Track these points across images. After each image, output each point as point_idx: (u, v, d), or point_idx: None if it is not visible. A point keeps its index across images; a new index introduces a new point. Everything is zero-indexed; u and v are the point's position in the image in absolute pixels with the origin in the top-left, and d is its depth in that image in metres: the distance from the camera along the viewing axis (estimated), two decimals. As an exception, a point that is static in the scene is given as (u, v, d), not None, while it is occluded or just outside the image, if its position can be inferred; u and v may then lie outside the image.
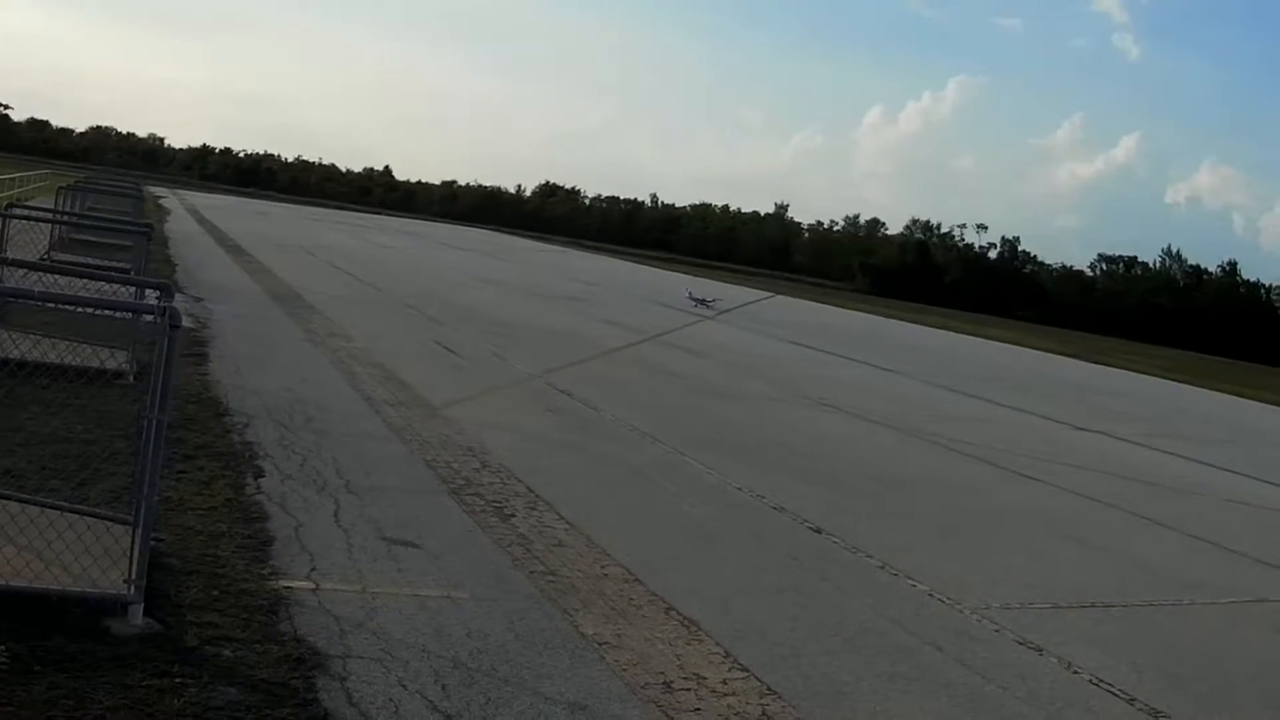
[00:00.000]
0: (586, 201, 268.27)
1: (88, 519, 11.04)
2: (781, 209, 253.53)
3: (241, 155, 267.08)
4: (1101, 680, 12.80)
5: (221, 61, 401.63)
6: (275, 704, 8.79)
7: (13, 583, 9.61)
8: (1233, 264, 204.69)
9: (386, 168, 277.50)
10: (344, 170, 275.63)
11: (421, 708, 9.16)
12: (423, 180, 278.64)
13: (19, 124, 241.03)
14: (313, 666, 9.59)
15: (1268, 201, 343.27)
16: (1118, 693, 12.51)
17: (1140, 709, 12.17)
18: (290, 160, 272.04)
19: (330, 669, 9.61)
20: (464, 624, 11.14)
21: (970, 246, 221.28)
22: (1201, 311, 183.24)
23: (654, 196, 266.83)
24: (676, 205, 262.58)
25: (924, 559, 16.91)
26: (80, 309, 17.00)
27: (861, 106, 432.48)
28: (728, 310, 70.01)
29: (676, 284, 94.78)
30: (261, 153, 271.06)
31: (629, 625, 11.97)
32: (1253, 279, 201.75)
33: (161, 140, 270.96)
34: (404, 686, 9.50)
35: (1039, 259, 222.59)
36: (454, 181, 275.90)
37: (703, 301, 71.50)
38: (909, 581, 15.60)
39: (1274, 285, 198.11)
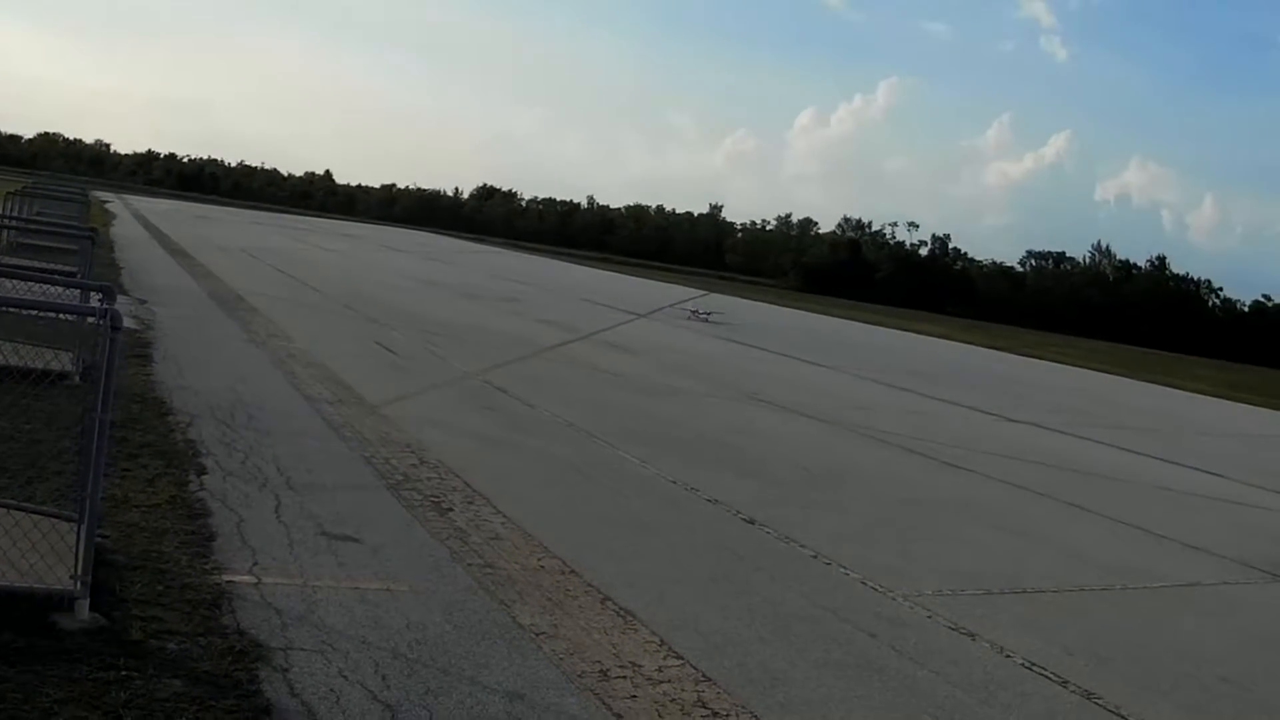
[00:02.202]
0: (523, 204, 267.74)
1: (34, 516, 11.02)
2: (715, 209, 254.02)
3: (186, 160, 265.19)
4: (1034, 664, 12.92)
5: (166, 69, 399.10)
6: (219, 695, 8.80)
7: (-41, 580, 9.60)
8: (1162, 259, 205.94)
9: (327, 172, 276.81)
10: (285, 175, 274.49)
11: (362, 698, 9.18)
12: (362, 184, 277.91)
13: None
14: (255, 659, 9.60)
15: (1196, 198, 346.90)
16: (1050, 676, 12.62)
17: (1073, 691, 12.28)
18: (233, 165, 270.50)
19: (272, 661, 9.62)
20: (403, 616, 11.16)
21: (901, 244, 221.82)
22: (1131, 305, 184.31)
23: (590, 198, 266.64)
24: (612, 206, 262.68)
25: (856, 548, 17.01)
26: (26, 311, 16.91)
27: (793, 109, 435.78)
28: (723, 323, 66.07)
29: (612, 284, 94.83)
30: (205, 158, 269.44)
31: (565, 616, 12.03)
32: (1182, 273, 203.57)
33: (108, 146, 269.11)
34: (345, 677, 9.51)
35: (969, 256, 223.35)
36: (393, 185, 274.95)
37: (698, 315, 69.29)
38: (841, 570, 15.69)
39: (1203, 279, 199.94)
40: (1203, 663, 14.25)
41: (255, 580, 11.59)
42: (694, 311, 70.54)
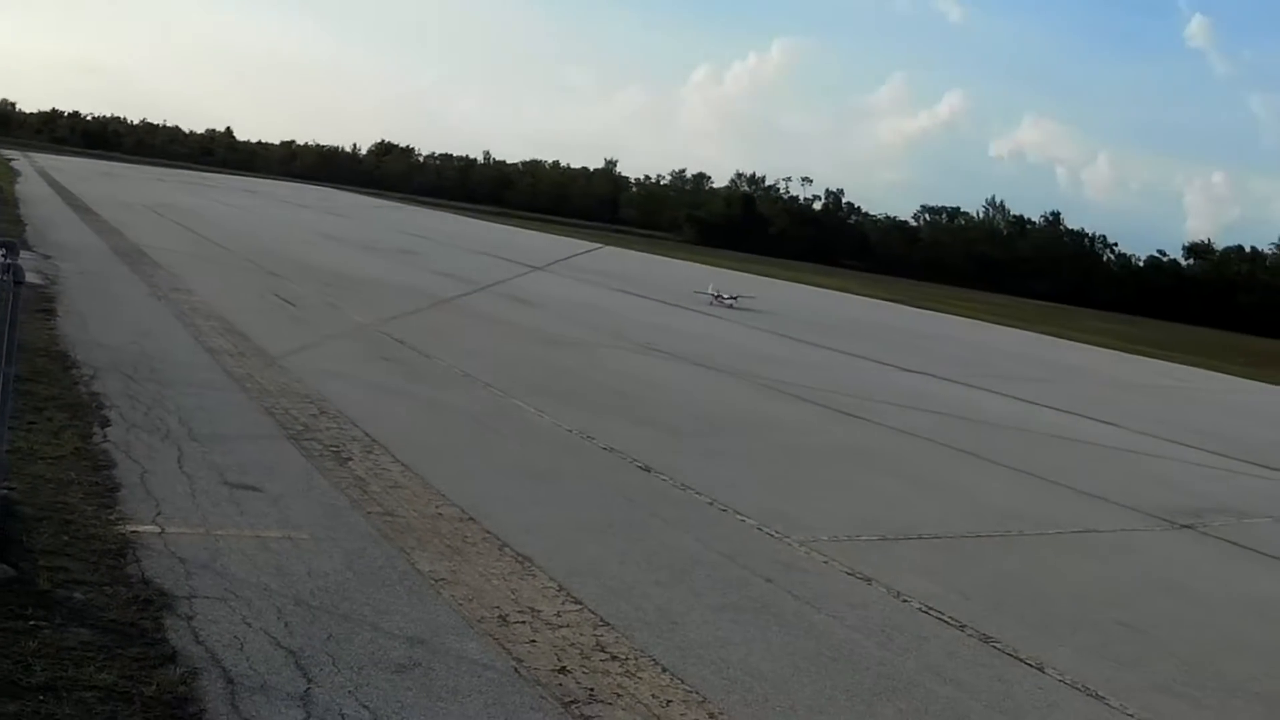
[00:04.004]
0: (421, 159, 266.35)
1: (-63, 470, 10.87)
2: (610, 164, 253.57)
3: (89, 119, 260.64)
4: (931, 608, 12.98)
5: (69, 27, 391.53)
6: (125, 644, 8.72)
7: None
8: (1056, 214, 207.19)
9: (228, 129, 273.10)
10: (188, 132, 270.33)
11: (265, 645, 9.12)
12: (263, 141, 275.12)
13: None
14: (160, 607, 9.51)
15: (1091, 155, 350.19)
16: (947, 620, 12.69)
17: (970, 634, 12.35)
18: (136, 123, 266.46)
19: (177, 609, 9.53)
20: (304, 563, 11.10)
21: (796, 199, 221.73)
22: (1025, 259, 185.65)
23: (487, 154, 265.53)
24: (509, 162, 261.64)
25: (752, 495, 17.08)
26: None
27: (687, 66, 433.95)
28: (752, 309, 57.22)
29: (509, 238, 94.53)
30: (109, 116, 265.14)
31: (464, 562, 12.00)
32: (1077, 228, 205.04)
33: (13, 105, 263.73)
34: (248, 624, 9.45)
35: (864, 211, 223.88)
36: (293, 141, 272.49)
37: (720, 298, 56.81)
38: (737, 516, 15.76)
39: (1098, 234, 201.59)
40: (1101, 607, 14.37)
41: (159, 530, 11.48)
42: (716, 295, 57.61)
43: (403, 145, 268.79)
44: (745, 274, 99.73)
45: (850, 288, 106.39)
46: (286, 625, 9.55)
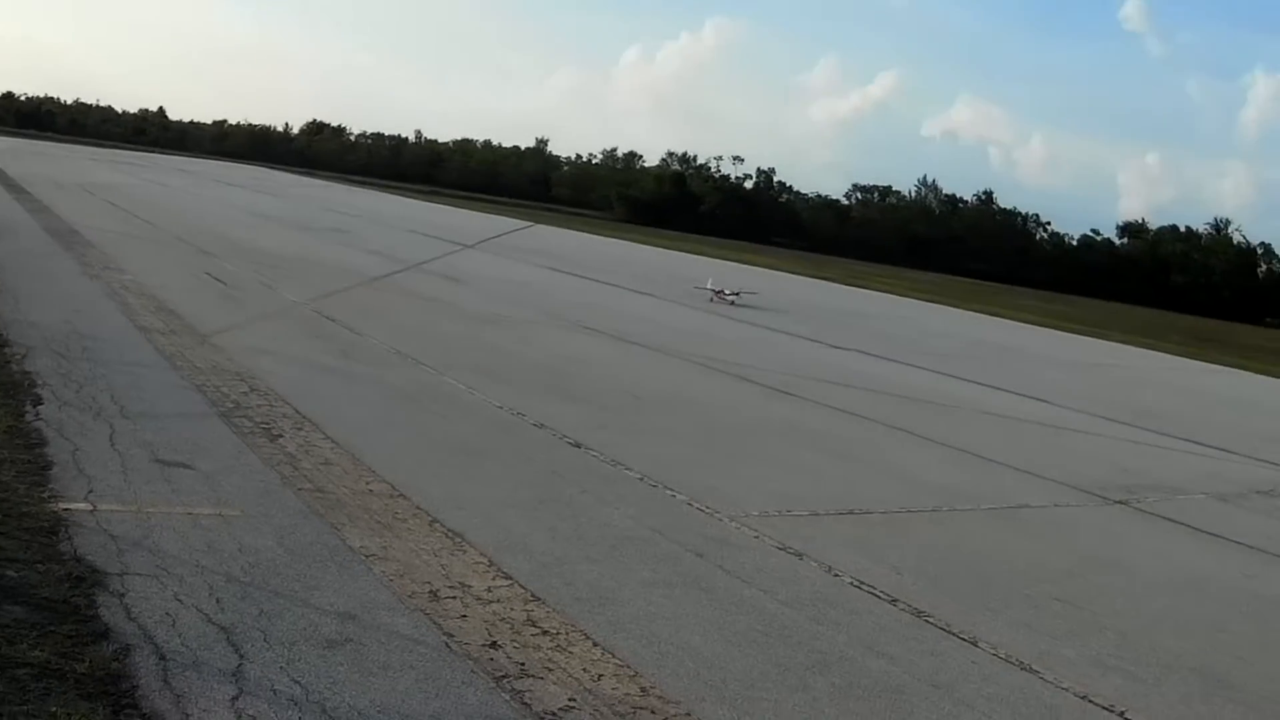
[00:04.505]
0: (353, 139, 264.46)
1: None
2: (542, 143, 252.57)
3: (22, 99, 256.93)
4: (863, 583, 13.00)
5: (2, 8, 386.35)
6: (58, 621, 8.65)
7: None
8: (989, 193, 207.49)
9: (161, 109, 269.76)
10: (120, 112, 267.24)
11: (197, 621, 9.07)
12: (195, 120, 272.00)
13: None
14: (93, 584, 9.44)
15: (1024, 135, 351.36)
16: (880, 594, 12.71)
17: (903, 609, 12.37)
18: (70, 103, 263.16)
19: (109, 586, 9.46)
20: (236, 540, 11.04)
21: (727, 177, 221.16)
22: (957, 238, 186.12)
23: (418, 133, 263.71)
24: (440, 141, 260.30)
25: (683, 471, 17.10)
26: None
27: (619, 47, 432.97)
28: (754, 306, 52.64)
29: (440, 217, 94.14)
30: (42, 96, 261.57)
31: (395, 538, 11.97)
32: (1010, 207, 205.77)
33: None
34: (180, 601, 9.39)
35: (795, 189, 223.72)
36: (225, 121, 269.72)
37: (721, 295, 51.55)
38: (668, 492, 15.77)
39: (1031, 213, 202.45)
40: (1034, 582, 14.39)
41: (91, 507, 11.39)
42: (717, 292, 52.26)
43: (334, 125, 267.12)
44: (675, 251, 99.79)
45: (781, 265, 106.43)
46: (218, 602, 9.50)
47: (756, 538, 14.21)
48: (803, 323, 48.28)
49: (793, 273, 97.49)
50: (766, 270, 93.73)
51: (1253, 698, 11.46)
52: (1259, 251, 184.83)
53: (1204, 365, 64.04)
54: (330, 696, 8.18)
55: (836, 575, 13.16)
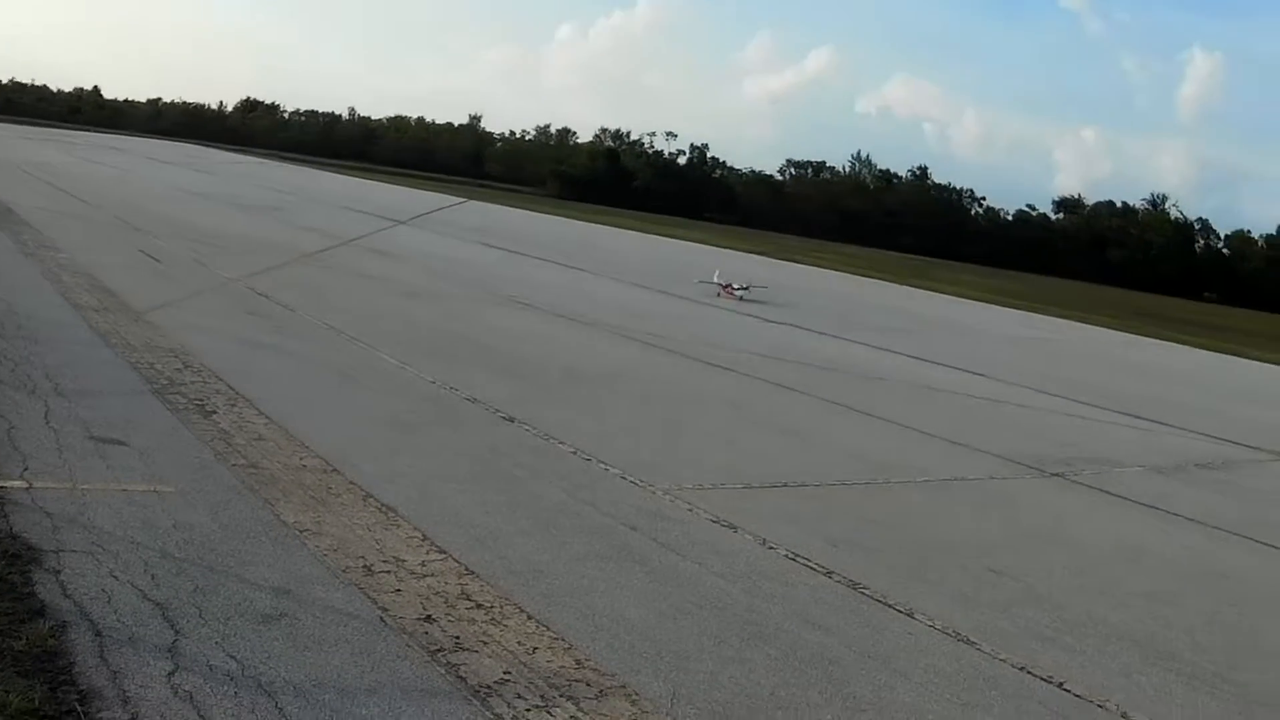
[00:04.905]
0: (286, 116, 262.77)
1: None
2: (475, 120, 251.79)
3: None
4: (798, 555, 12.98)
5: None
6: (-8, 598, 8.58)
7: None
8: (923, 169, 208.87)
9: (95, 88, 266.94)
10: (55, 91, 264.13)
11: (133, 597, 8.97)
12: (130, 99, 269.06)
13: None
14: (28, 561, 9.32)
15: (958, 112, 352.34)
16: (815, 567, 12.70)
17: (839, 581, 12.36)
18: (4, 83, 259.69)
19: (45, 563, 9.34)
20: (170, 516, 10.92)
21: (660, 153, 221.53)
22: (892, 213, 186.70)
23: (352, 110, 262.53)
24: (374, 118, 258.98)
25: (616, 445, 17.08)
26: None
27: (552, 24, 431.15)
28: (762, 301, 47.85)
29: (374, 193, 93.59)
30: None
31: (329, 513, 11.89)
32: (944, 182, 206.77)
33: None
34: (115, 577, 9.29)
35: (729, 165, 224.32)
36: (159, 99, 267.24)
37: (729, 289, 47.26)
38: (601, 466, 15.75)
39: (966, 189, 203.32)
40: (971, 554, 14.41)
41: (26, 485, 11.23)
42: (724, 286, 48.02)
43: (268, 102, 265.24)
44: (609, 227, 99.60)
45: (713, 240, 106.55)
46: (153, 578, 9.40)
47: (690, 511, 14.19)
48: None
49: (726, 248, 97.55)
50: (699, 246, 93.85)
51: (1193, 669, 11.51)
52: (1197, 227, 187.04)
53: (1141, 339, 64.63)
54: (266, 671, 8.12)
55: (771, 548, 13.14)
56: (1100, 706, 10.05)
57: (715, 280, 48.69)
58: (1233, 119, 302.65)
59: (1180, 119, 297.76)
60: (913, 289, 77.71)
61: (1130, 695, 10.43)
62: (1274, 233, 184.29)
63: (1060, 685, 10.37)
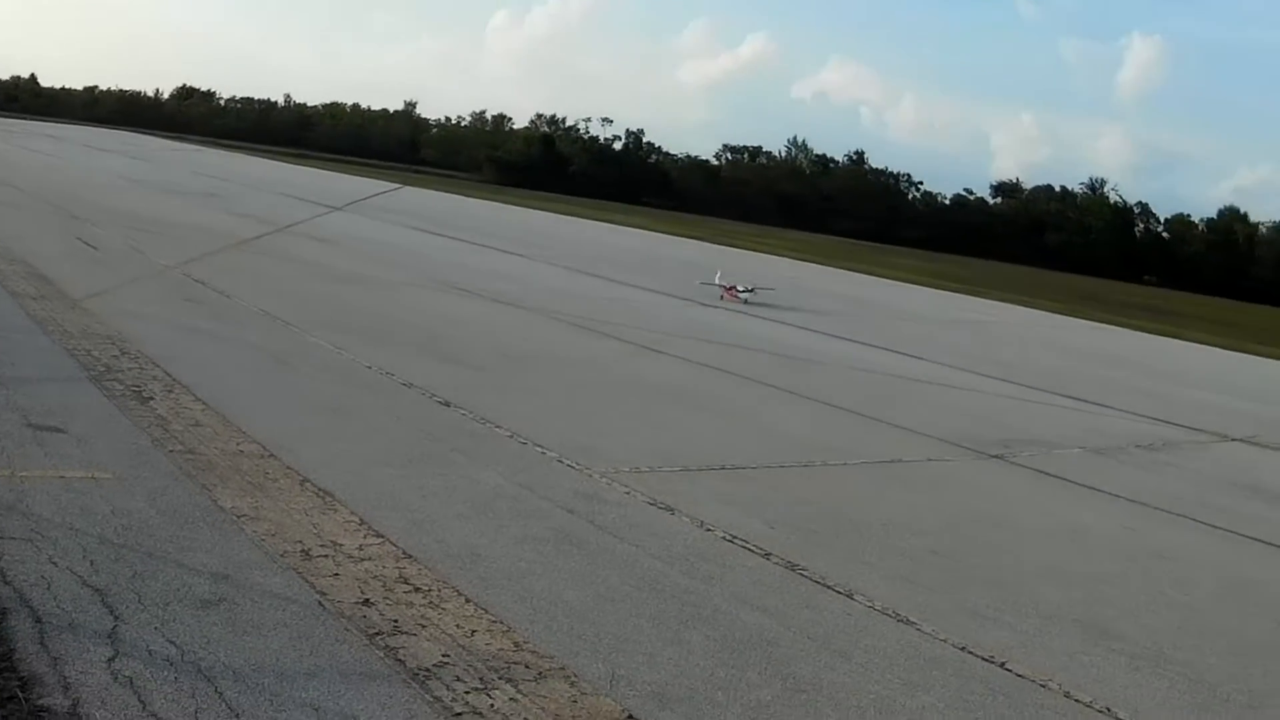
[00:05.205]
0: (222, 102, 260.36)
1: None
2: (410, 106, 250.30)
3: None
4: (736, 537, 12.96)
5: None
6: (-71, 588, 8.48)
7: None
8: (860, 153, 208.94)
9: (33, 75, 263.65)
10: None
11: (72, 583, 8.89)
12: (66, 86, 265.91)
13: None
14: (-34, 549, 9.25)
15: (895, 96, 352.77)
16: (753, 548, 12.68)
17: (777, 563, 12.35)
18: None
19: (-18, 550, 9.28)
20: (109, 502, 10.82)
21: (595, 139, 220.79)
22: (829, 197, 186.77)
23: (287, 96, 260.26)
24: (309, 105, 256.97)
25: (553, 429, 17.02)
26: None
27: (488, 9, 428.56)
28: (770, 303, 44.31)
29: (309, 180, 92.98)
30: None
31: (266, 498, 11.82)
32: (881, 167, 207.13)
33: None
34: (54, 564, 9.20)
35: (664, 150, 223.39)
36: (95, 87, 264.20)
37: (734, 291, 43.61)
38: (538, 449, 15.69)
39: (903, 173, 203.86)
40: (909, 535, 14.41)
41: (-37, 473, 11.14)
42: (727, 288, 44.43)
43: (204, 89, 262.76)
44: (544, 212, 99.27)
45: (649, 225, 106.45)
46: (92, 564, 9.32)
47: (628, 494, 14.17)
48: (673, 282, 48.22)
49: (662, 232, 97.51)
50: (637, 230, 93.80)
51: (1135, 648, 11.52)
52: (1136, 211, 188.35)
53: (1081, 322, 65.01)
54: (205, 656, 8.07)
55: (709, 530, 13.14)
56: (1043, 686, 10.07)
57: (717, 282, 45.00)
58: (1172, 103, 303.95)
59: (1120, 103, 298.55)
60: (848, 272, 77.81)
61: (1073, 675, 10.45)
62: (1214, 216, 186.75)
63: (1002, 665, 10.39)
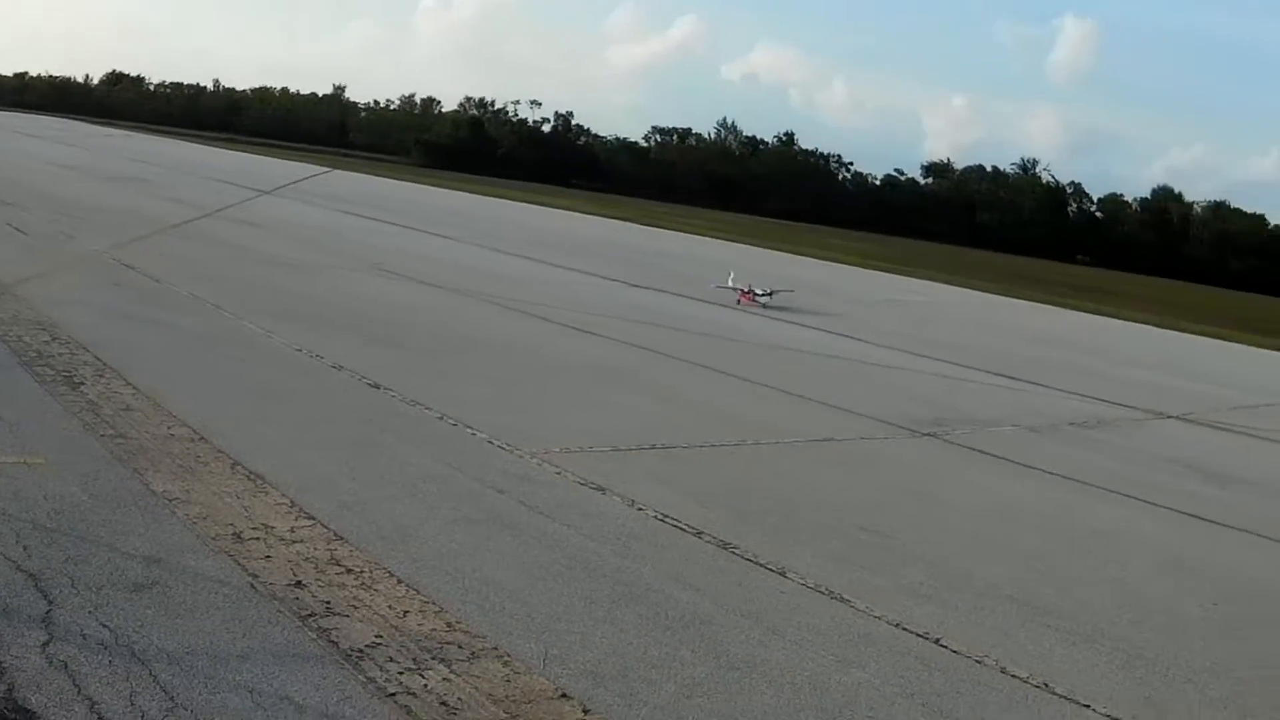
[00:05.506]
0: (152, 88, 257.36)
1: None
2: (339, 90, 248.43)
3: None
4: (667, 516, 12.91)
5: None
6: None
7: None
8: (790, 134, 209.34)
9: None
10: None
11: (5, 569, 8.77)
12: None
13: None
14: (-102, 536, 9.12)
15: (826, 77, 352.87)
16: (684, 527, 12.62)
17: (709, 541, 12.30)
18: None
19: (-88, 539, 9.14)
20: (41, 488, 10.68)
21: (524, 121, 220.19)
22: (758, 178, 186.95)
23: (216, 82, 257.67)
24: (238, 89, 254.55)
25: (483, 410, 16.91)
26: None
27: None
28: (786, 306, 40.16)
29: (239, 164, 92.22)
30: None
31: (197, 481, 11.70)
32: (811, 148, 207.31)
33: None
34: (-14, 549, 9.11)
35: (593, 132, 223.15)
36: (25, 73, 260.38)
37: (750, 294, 39.18)
38: (468, 430, 15.62)
39: (833, 154, 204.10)
40: (841, 513, 14.36)
41: (-107, 460, 10.98)
42: (744, 291, 39.71)
43: (134, 75, 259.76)
44: (473, 195, 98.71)
45: (579, 207, 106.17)
46: (25, 549, 9.20)
47: (559, 474, 14.12)
48: (603, 263, 48.05)
49: (589, 214, 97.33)
50: (565, 212, 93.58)
51: (1071, 624, 11.50)
52: (1069, 191, 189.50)
53: (1015, 301, 65.24)
54: (139, 639, 7.99)
55: (640, 509, 13.08)
56: (979, 663, 10.06)
57: (730, 285, 40.40)
58: (1106, 84, 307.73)
59: (1052, 85, 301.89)
60: (779, 252, 77.67)
61: (1009, 651, 10.43)
62: (1148, 196, 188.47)
63: (937, 641, 10.37)
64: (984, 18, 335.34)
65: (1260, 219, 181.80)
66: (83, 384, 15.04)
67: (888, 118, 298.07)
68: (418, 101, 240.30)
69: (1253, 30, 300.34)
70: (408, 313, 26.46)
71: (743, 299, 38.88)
